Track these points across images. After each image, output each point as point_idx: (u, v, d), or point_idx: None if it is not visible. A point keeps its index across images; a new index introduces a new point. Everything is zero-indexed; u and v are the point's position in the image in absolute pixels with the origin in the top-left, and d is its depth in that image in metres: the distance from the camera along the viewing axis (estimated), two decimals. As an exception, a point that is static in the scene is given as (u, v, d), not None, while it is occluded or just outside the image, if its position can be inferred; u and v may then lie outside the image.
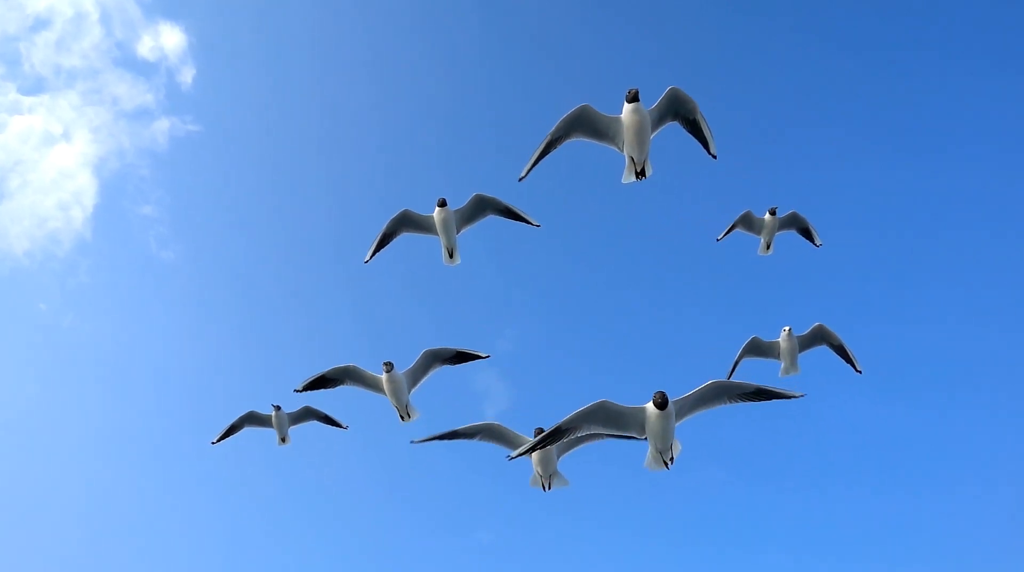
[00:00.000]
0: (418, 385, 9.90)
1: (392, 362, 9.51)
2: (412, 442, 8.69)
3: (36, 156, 19.68)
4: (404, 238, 10.04)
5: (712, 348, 16.31)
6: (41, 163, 19.78)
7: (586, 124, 7.75)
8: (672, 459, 7.07)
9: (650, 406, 6.62)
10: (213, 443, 11.44)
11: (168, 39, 19.14)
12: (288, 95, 19.54)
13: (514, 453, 7.33)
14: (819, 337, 10.88)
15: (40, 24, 19.30)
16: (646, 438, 6.85)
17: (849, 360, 10.76)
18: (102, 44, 19.21)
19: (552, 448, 8.24)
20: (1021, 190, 16.00)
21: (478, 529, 15.78)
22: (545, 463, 8.36)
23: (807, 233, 11.48)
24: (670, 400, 6.60)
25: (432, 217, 9.74)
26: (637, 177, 8.00)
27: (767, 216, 11.26)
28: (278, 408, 11.10)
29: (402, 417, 9.98)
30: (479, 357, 9.80)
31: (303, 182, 18.46)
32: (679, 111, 7.61)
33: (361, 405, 9.99)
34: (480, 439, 8.53)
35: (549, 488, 8.60)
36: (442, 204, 9.63)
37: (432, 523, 16.58)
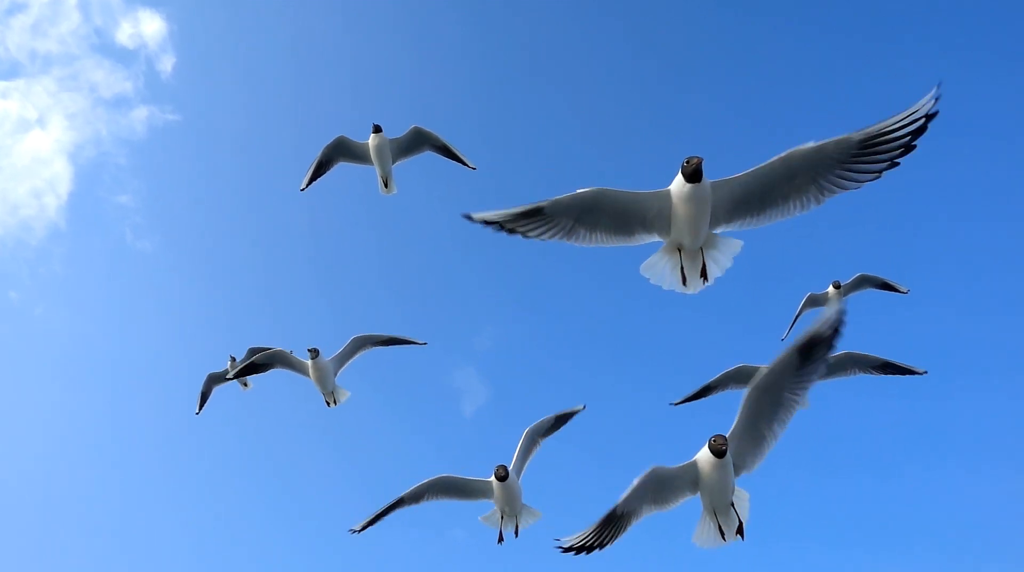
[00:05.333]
0: (344, 367, 9.71)
1: (318, 349, 9.33)
2: (351, 531, 7.87)
3: (10, 142, 19.05)
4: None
5: (696, 346, 15.68)
6: (15, 149, 19.18)
7: (608, 209, 5.22)
8: (741, 529, 5.50)
9: (704, 453, 5.21)
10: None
11: (148, 26, 18.90)
12: (269, 86, 19.28)
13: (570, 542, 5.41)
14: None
15: (16, 7, 18.92)
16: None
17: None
18: (80, 30, 19.02)
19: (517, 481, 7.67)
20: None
21: (453, 527, 15.22)
22: (511, 501, 7.64)
23: (886, 286, 10.79)
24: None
25: (367, 144, 9.48)
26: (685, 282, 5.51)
27: (831, 290, 10.53)
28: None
29: (328, 403, 9.70)
30: (415, 343, 9.75)
31: (283, 174, 18.21)
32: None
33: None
34: (429, 498, 7.69)
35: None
36: (377, 130, 9.37)
37: (406, 520, 15.92)
